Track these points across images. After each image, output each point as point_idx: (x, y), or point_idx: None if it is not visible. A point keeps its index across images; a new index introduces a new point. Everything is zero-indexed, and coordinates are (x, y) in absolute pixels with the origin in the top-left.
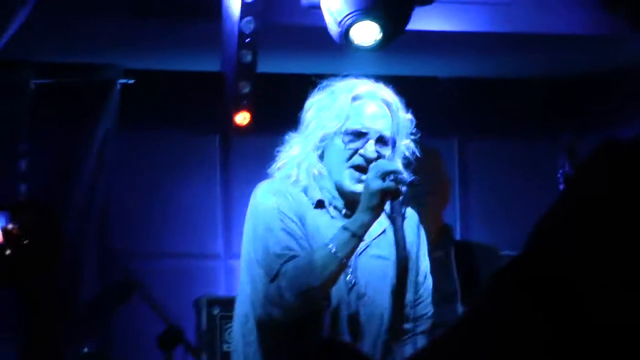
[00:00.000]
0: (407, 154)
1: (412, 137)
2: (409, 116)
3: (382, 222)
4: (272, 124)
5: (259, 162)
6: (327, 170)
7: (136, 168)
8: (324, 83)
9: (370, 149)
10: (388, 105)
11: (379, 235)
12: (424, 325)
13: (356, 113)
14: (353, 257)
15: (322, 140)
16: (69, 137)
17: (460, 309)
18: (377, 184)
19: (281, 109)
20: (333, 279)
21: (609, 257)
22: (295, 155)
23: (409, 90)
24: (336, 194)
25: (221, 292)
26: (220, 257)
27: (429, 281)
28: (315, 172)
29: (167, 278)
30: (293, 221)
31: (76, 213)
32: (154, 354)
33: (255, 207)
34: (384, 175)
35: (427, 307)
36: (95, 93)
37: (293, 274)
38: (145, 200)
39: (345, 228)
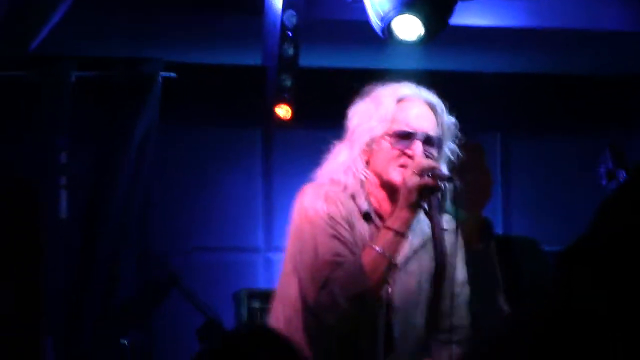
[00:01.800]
0: (452, 157)
1: (457, 140)
2: (453, 119)
3: (423, 233)
4: (313, 118)
5: (301, 156)
6: (375, 174)
7: (177, 162)
8: (366, 90)
9: (418, 149)
10: (433, 107)
11: (419, 248)
12: (460, 335)
13: (402, 114)
14: (390, 272)
15: (368, 145)
16: (109, 130)
17: (501, 301)
18: (414, 180)
19: (323, 102)
20: (383, 280)
21: None
22: (342, 161)
23: (452, 85)
24: (383, 197)
25: (261, 284)
26: (261, 250)
27: (466, 291)
28: (363, 177)
29: (207, 271)
30: (344, 228)
31: (117, 207)
32: (194, 346)
33: (303, 212)
34: (421, 172)
35: (463, 318)
36: (137, 87)
37: (345, 279)
38: (185, 194)
39: (387, 227)
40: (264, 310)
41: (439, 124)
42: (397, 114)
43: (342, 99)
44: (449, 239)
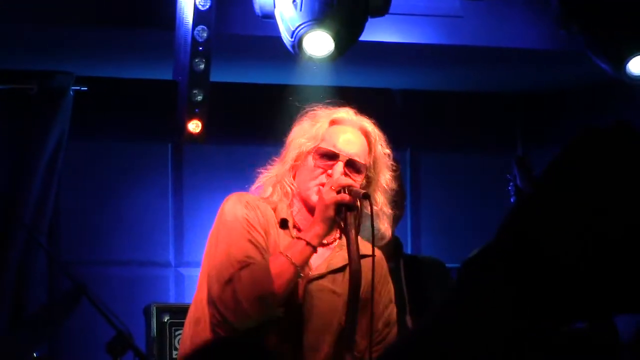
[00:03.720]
0: (387, 188)
1: (394, 172)
2: (388, 150)
3: (345, 259)
4: (224, 133)
5: (211, 170)
6: (298, 189)
7: (88, 175)
8: (307, 109)
9: (338, 169)
10: (366, 134)
11: (338, 269)
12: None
13: (331, 136)
14: (303, 283)
15: (296, 160)
16: (20, 144)
17: (408, 321)
18: (331, 196)
19: (233, 117)
20: (288, 286)
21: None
22: (273, 175)
23: (361, 101)
24: (303, 211)
25: (171, 299)
26: (171, 265)
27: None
28: (288, 189)
29: (117, 285)
30: (260, 234)
31: (28, 218)
32: (103, 359)
33: (223, 217)
34: (338, 188)
35: (388, 337)
36: (48, 100)
37: (249, 280)
38: (96, 208)
39: (299, 238)
40: (174, 325)
41: (371, 152)
42: (327, 135)
43: (253, 114)
44: (367, 264)
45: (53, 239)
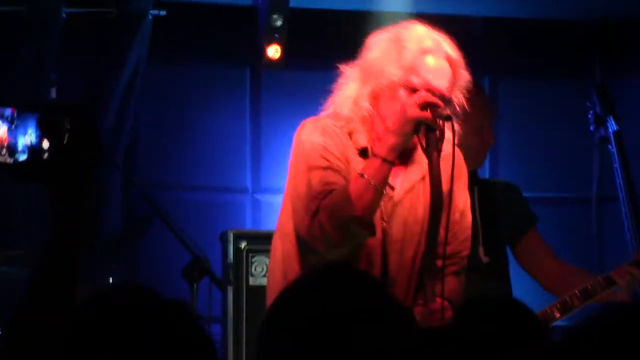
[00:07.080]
0: (456, 107)
1: (465, 93)
2: (467, 76)
3: (422, 168)
4: (303, 58)
5: (289, 96)
6: (381, 117)
7: (165, 100)
8: (390, 23)
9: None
10: (452, 62)
11: (418, 182)
12: (457, 265)
13: (422, 68)
14: (390, 206)
15: (383, 88)
16: (98, 67)
17: (481, 252)
18: (414, 112)
19: (312, 43)
20: (370, 207)
21: None
22: (350, 95)
23: (440, 28)
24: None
25: (248, 225)
26: (248, 191)
27: (467, 219)
28: (365, 114)
29: (194, 211)
30: (338, 159)
31: (105, 142)
32: (179, 285)
33: (300, 146)
34: (423, 105)
35: (460, 245)
36: (127, 24)
37: (331, 207)
38: (173, 132)
39: (374, 155)
40: (251, 251)
41: (455, 79)
42: (418, 66)
43: (332, 41)
44: (447, 165)
45: (130, 163)
